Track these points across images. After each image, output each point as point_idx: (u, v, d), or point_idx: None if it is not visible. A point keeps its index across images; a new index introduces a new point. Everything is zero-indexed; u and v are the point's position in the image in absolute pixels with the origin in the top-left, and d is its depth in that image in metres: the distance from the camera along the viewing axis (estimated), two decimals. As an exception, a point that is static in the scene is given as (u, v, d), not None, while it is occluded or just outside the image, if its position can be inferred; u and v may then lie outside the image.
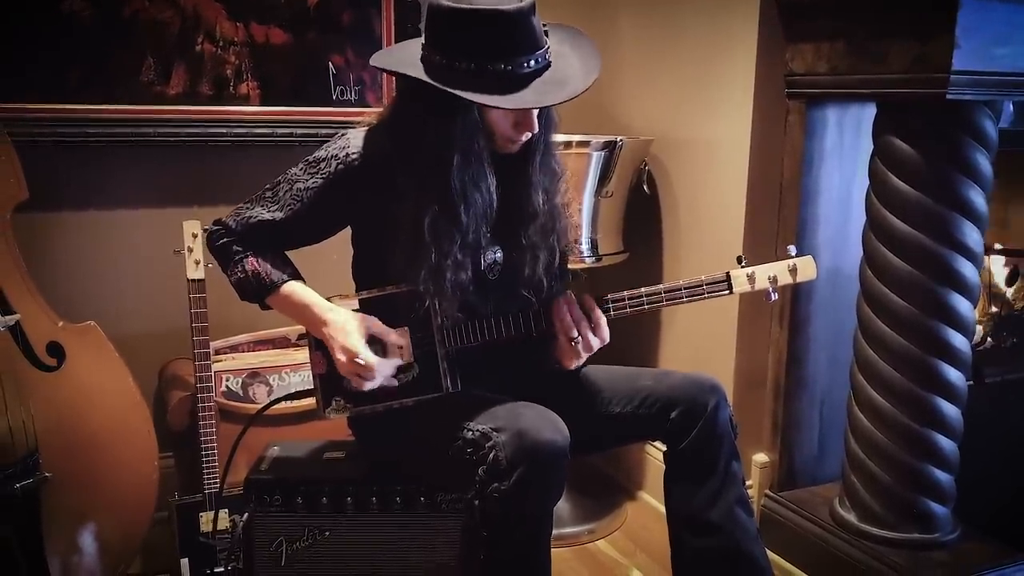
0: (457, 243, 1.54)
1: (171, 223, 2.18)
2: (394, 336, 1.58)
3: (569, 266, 1.97)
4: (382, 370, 1.56)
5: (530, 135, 1.56)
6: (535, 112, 1.53)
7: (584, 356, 1.62)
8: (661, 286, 1.58)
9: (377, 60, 1.61)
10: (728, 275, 1.57)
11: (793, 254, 1.58)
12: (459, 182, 1.51)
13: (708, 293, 1.57)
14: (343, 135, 1.61)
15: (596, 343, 1.60)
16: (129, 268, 2.42)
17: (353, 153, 1.56)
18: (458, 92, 1.44)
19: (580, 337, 1.58)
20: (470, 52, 1.45)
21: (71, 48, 2.24)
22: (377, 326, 1.58)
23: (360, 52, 2.54)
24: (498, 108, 1.48)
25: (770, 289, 1.57)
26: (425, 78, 1.47)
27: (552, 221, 1.65)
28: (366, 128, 1.61)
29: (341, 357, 1.54)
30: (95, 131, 2.28)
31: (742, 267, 1.57)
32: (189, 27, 2.35)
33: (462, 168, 1.51)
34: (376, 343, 1.58)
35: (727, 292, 1.57)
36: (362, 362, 1.53)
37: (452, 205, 1.52)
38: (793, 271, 1.57)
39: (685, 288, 1.57)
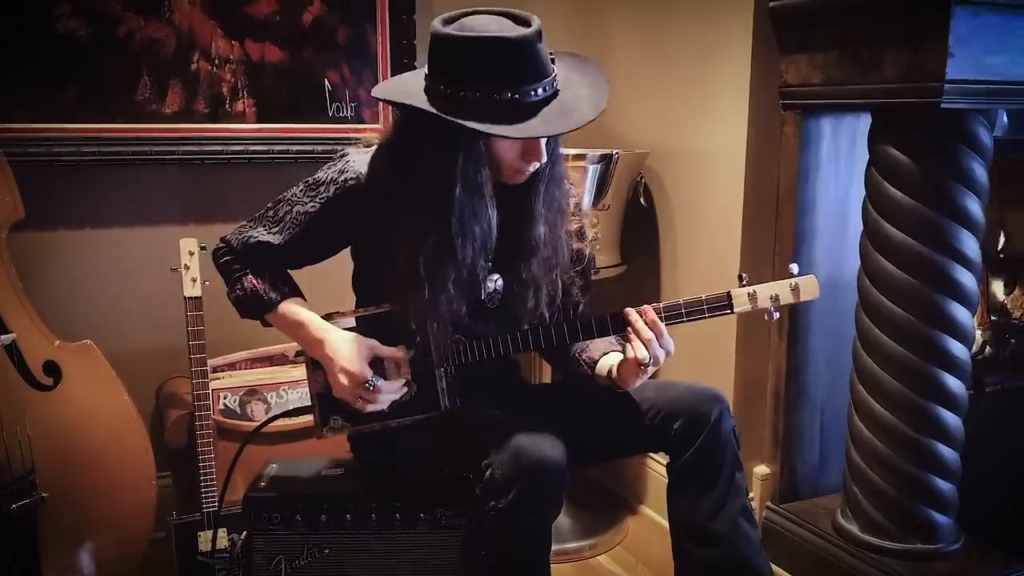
0: (451, 278, 1.51)
1: (168, 241, 2.18)
2: (396, 354, 1.56)
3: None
4: (388, 393, 1.55)
5: (537, 165, 1.53)
6: (543, 141, 1.49)
7: (650, 374, 1.57)
8: (660, 304, 1.56)
9: (379, 92, 1.58)
10: (729, 294, 1.55)
11: (795, 273, 1.56)
12: (459, 214, 1.48)
13: (709, 312, 1.55)
14: (343, 156, 1.59)
15: (663, 357, 1.55)
16: (126, 286, 2.42)
17: (352, 178, 1.55)
18: (463, 123, 1.40)
19: (652, 357, 1.53)
20: (476, 81, 1.41)
21: (67, 67, 2.24)
22: (377, 347, 1.56)
23: (356, 69, 2.55)
24: (505, 138, 1.45)
25: (772, 308, 1.55)
26: (429, 108, 1.43)
27: (555, 255, 1.61)
28: (367, 151, 1.59)
29: (343, 380, 1.53)
30: (91, 150, 2.28)
31: (743, 286, 1.55)
32: (184, 45, 2.36)
33: (463, 200, 1.47)
34: (376, 363, 1.57)
35: (728, 311, 1.55)
36: (370, 387, 1.52)
37: (450, 238, 1.49)
38: (795, 290, 1.55)
39: (685, 307, 1.55)
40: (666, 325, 1.55)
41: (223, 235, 1.66)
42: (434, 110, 1.43)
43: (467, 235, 1.50)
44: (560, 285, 1.65)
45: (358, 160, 1.57)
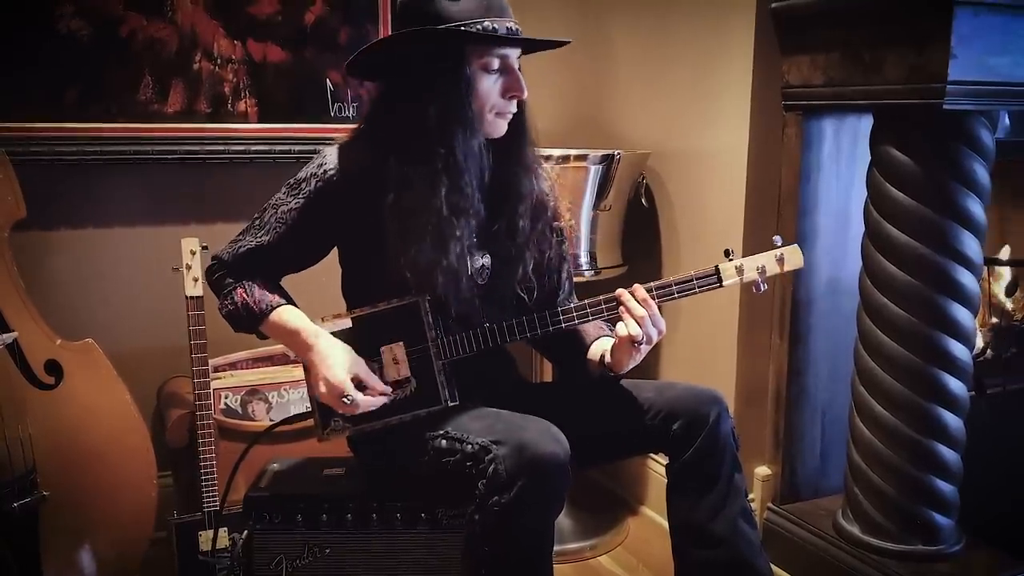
0: (468, 213, 1.56)
1: (169, 240, 2.18)
2: (380, 387, 1.57)
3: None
4: (365, 407, 1.56)
5: (515, 107, 1.59)
6: (521, 77, 1.57)
7: (643, 354, 1.60)
8: (652, 283, 1.58)
9: (354, 56, 1.61)
10: (717, 268, 1.57)
11: (779, 244, 1.59)
12: (463, 154, 1.53)
13: (698, 287, 1.57)
14: (320, 153, 1.62)
15: (656, 335, 1.58)
16: (127, 286, 2.42)
17: (330, 169, 1.58)
18: (486, 32, 1.48)
19: (644, 335, 1.55)
20: (458, 16, 1.49)
21: (69, 67, 2.25)
22: (364, 371, 1.57)
23: (358, 69, 2.55)
24: (507, 42, 1.52)
25: (759, 280, 1.58)
26: (436, 27, 1.49)
27: (540, 208, 1.67)
28: (339, 144, 1.63)
29: (322, 387, 1.55)
30: (93, 149, 2.29)
31: (730, 260, 1.58)
32: (187, 45, 2.36)
33: (463, 140, 1.53)
34: (373, 355, 1.58)
35: (717, 285, 1.57)
36: (347, 401, 1.53)
37: (458, 177, 1.54)
38: (780, 260, 1.57)
39: (675, 284, 1.57)
40: (657, 302, 1.57)
41: (214, 253, 1.67)
42: (440, 27, 1.49)
43: (471, 173, 1.55)
44: (549, 245, 1.69)
45: (332, 153, 1.61)
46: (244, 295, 1.60)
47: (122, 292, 2.42)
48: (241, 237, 1.64)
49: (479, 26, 1.49)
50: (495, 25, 1.51)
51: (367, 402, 1.55)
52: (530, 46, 1.60)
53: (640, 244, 2.60)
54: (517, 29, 1.54)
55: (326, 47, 2.51)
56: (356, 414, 1.58)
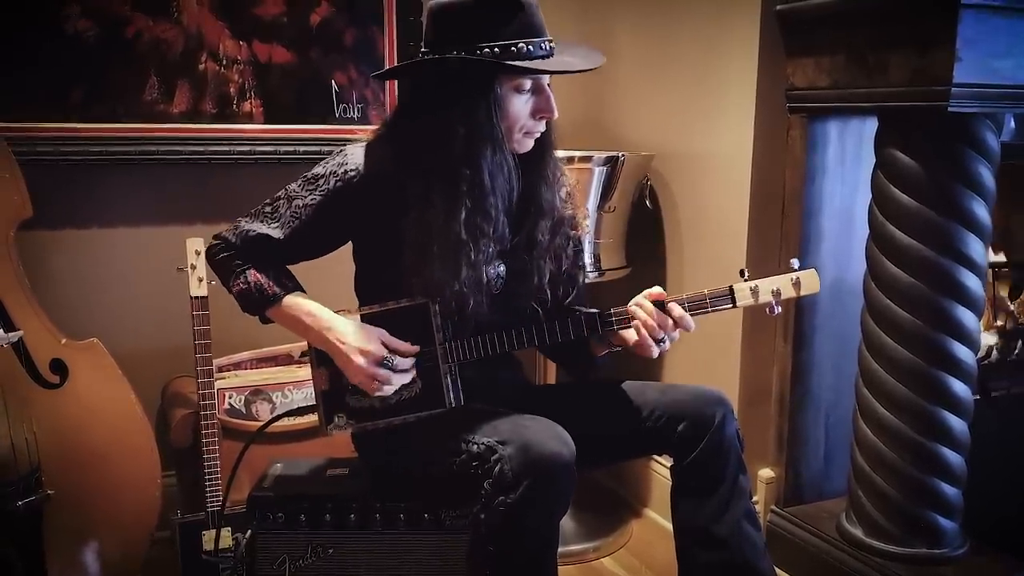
0: (489, 236, 1.55)
1: (174, 241, 2.18)
2: (402, 346, 1.57)
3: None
4: (401, 373, 1.55)
5: (543, 127, 1.59)
6: (552, 98, 1.56)
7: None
8: (664, 299, 1.58)
9: (386, 70, 1.61)
10: (732, 288, 1.56)
11: (796, 267, 1.58)
12: (489, 174, 1.52)
13: (712, 307, 1.56)
14: (341, 151, 1.61)
15: (676, 336, 1.59)
16: (132, 285, 2.42)
17: (351, 170, 1.57)
18: (508, 62, 1.46)
19: (666, 339, 1.57)
20: (494, 36, 1.47)
21: (75, 67, 2.26)
22: (386, 335, 1.56)
23: (363, 70, 2.55)
24: (541, 72, 1.51)
25: (773, 303, 1.57)
26: (472, 56, 1.47)
27: (560, 224, 1.66)
28: (364, 144, 1.61)
29: (359, 360, 1.53)
30: (98, 149, 2.29)
31: (745, 280, 1.57)
32: (192, 46, 2.37)
33: (492, 159, 1.52)
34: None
35: (731, 306, 1.57)
36: (389, 363, 1.52)
37: (483, 199, 1.53)
38: (796, 284, 1.56)
39: (688, 301, 1.57)
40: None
41: (217, 233, 1.66)
42: (475, 56, 1.47)
43: (497, 193, 1.54)
44: (564, 259, 1.69)
45: (356, 153, 1.59)
46: (258, 276, 1.59)
47: (127, 292, 2.42)
48: (249, 221, 1.63)
49: (514, 48, 1.47)
50: (531, 47, 1.48)
51: (404, 363, 1.55)
52: (566, 74, 1.57)
53: (644, 246, 2.60)
54: (552, 47, 1.52)
55: (331, 48, 2.52)
56: (364, 408, 1.57)
